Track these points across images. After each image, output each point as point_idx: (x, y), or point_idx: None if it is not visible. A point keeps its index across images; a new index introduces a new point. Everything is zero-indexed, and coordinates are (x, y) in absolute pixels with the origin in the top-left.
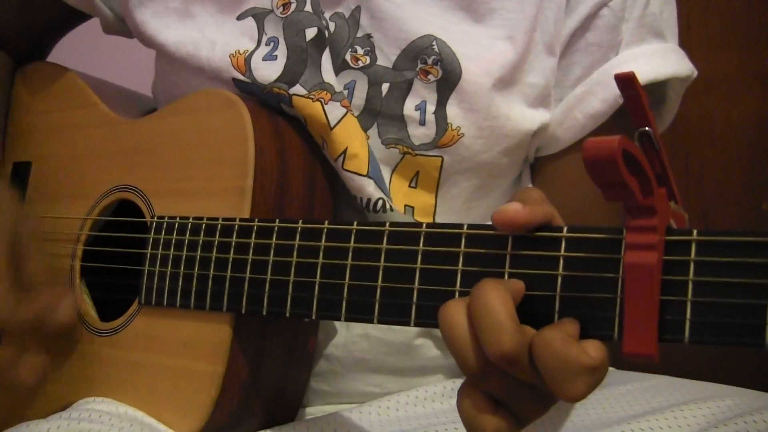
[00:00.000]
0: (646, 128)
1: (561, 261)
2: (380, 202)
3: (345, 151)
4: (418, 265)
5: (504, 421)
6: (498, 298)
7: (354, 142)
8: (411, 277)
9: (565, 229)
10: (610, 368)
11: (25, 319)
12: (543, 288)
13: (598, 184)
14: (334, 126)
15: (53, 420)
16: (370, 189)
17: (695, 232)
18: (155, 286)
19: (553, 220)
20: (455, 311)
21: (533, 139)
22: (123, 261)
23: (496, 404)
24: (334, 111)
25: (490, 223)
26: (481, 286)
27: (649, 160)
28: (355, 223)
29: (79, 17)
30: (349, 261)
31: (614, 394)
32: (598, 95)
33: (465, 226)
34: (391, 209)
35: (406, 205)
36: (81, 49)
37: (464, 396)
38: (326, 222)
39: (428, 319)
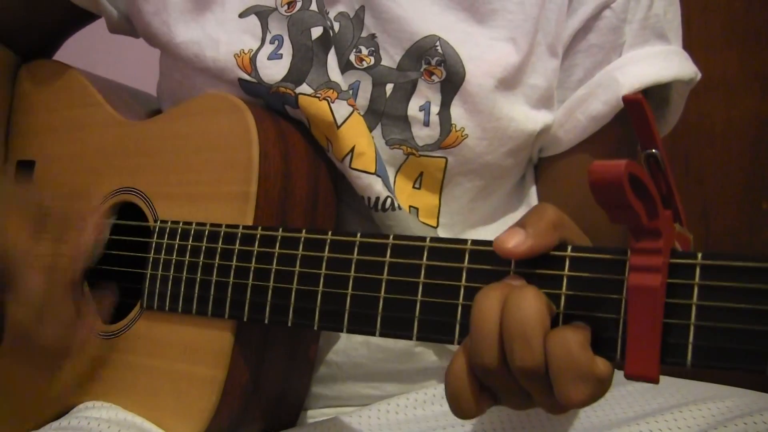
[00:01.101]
0: (653, 150)
1: (565, 280)
2: (388, 201)
3: (352, 150)
4: (421, 279)
5: (486, 406)
6: (539, 313)
7: (361, 140)
8: (414, 290)
9: (569, 249)
10: None
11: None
12: None
13: (603, 207)
14: (341, 125)
15: (50, 430)
16: (378, 187)
17: (700, 255)
18: (157, 290)
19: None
20: (492, 305)
21: (536, 140)
22: (125, 264)
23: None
24: (341, 110)
25: (494, 224)
26: (527, 292)
27: (655, 181)
28: (359, 235)
29: (85, 17)
30: (352, 273)
31: (615, 396)
32: (599, 97)
33: (469, 242)
34: (399, 208)
35: (410, 206)
36: (86, 48)
37: (460, 374)
38: (329, 233)
39: (430, 333)
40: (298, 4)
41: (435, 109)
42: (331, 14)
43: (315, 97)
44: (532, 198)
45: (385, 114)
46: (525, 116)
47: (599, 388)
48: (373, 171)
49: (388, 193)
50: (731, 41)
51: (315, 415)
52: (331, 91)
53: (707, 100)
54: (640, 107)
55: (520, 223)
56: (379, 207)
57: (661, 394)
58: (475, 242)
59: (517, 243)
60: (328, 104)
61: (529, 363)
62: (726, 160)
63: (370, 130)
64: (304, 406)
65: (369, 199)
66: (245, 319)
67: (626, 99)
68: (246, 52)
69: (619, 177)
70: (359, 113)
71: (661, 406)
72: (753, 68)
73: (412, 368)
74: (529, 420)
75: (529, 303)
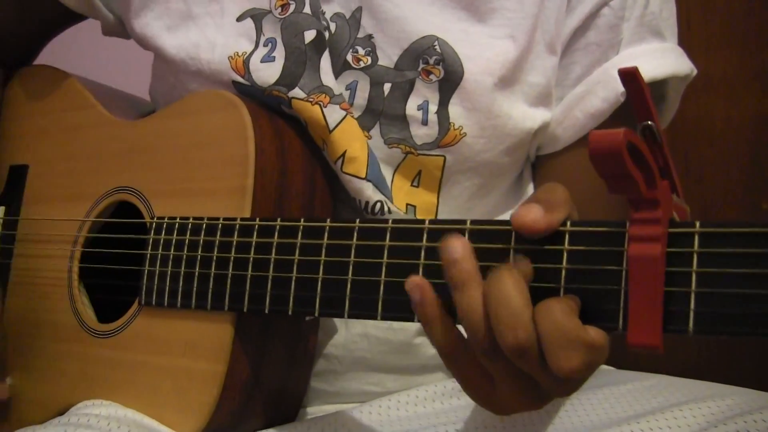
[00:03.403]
0: (649, 122)
1: (565, 254)
2: (378, 205)
3: (344, 154)
4: (422, 261)
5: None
6: (514, 287)
7: (353, 144)
8: (415, 273)
9: (568, 223)
10: (610, 368)
11: None
12: (547, 281)
13: (602, 176)
14: (333, 129)
15: (50, 426)
16: (368, 192)
17: (698, 223)
18: (155, 286)
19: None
20: (474, 299)
21: (534, 137)
22: (122, 263)
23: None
24: (333, 114)
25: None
26: (498, 275)
27: (651, 153)
28: (358, 220)
29: (70, 19)
30: (352, 258)
31: (614, 394)
32: (598, 94)
33: (468, 222)
34: (389, 211)
35: (408, 204)
36: (77, 52)
37: (463, 363)
38: (328, 220)
39: None
40: (292, 7)
41: (433, 108)
42: (327, 15)
43: (307, 101)
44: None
45: (384, 113)
46: (523, 114)
47: (592, 354)
48: (363, 176)
49: (379, 197)
50: (731, 41)
51: (314, 412)
52: (324, 95)
53: (707, 99)
54: (635, 79)
55: (533, 199)
56: (370, 210)
57: (660, 393)
58: (475, 221)
59: (535, 218)
60: (321, 109)
61: (520, 339)
62: (726, 159)
63: (368, 130)
64: (304, 403)
65: (360, 201)
66: (245, 311)
67: (621, 71)
68: (240, 54)
69: (618, 145)
70: (353, 117)
71: (661, 405)
72: (753, 68)
73: (412, 363)
74: (530, 417)
75: (502, 281)
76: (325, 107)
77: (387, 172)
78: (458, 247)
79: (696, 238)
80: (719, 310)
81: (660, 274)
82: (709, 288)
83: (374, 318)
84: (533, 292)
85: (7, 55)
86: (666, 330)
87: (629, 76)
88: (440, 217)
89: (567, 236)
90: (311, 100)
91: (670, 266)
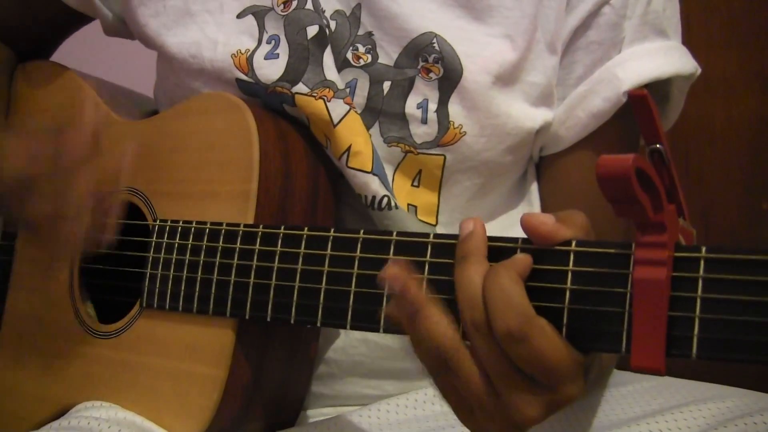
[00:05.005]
0: (658, 145)
1: (570, 275)
2: (385, 200)
3: (349, 149)
4: (425, 275)
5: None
6: (509, 277)
7: (358, 138)
8: (419, 287)
9: (573, 243)
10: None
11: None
12: (552, 301)
13: (609, 200)
14: (337, 123)
15: (51, 430)
16: (374, 186)
17: (704, 249)
18: (157, 289)
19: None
20: (474, 279)
21: (537, 137)
22: (123, 264)
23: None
24: (337, 108)
25: (493, 222)
26: (494, 270)
27: (659, 176)
28: (362, 231)
29: (81, 19)
30: (355, 270)
31: (615, 396)
32: (600, 94)
33: (473, 236)
34: (396, 207)
35: (409, 204)
36: (83, 50)
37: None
38: (332, 230)
39: None
40: (294, 3)
41: (433, 106)
42: (327, 12)
43: (311, 96)
44: (533, 196)
45: (383, 112)
46: (524, 113)
47: (533, 329)
48: (369, 170)
49: (385, 192)
50: (731, 41)
51: (314, 415)
52: (328, 90)
53: (707, 99)
54: (645, 102)
55: (552, 214)
56: (376, 206)
57: (661, 395)
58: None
59: (543, 221)
60: (325, 103)
61: (512, 322)
62: (726, 159)
63: (368, 128)
64: (304, 406)
65: (366, 197)
66: (247, 317)
67: (631, 94)
68: (243, 52)
69: (626, 171)
70: (356, 111)
71: (661, 407)
72: (753, 68)
73: (411, 367)
74: None
75: (498, 273)
76: (329, 102)
77: (388, 172)
78: (477, 225)
79: (702, 263)
80: (723, 336)
81: (665, 299)
82: (714, 314)
83: (376, 330)
84: (539, 313)
85: (18, 47)
86: (669, 354)
87: (638, 98)
88: (441, 217)
89: (572, 256)
90: (315, 94)
91: (675, 291)
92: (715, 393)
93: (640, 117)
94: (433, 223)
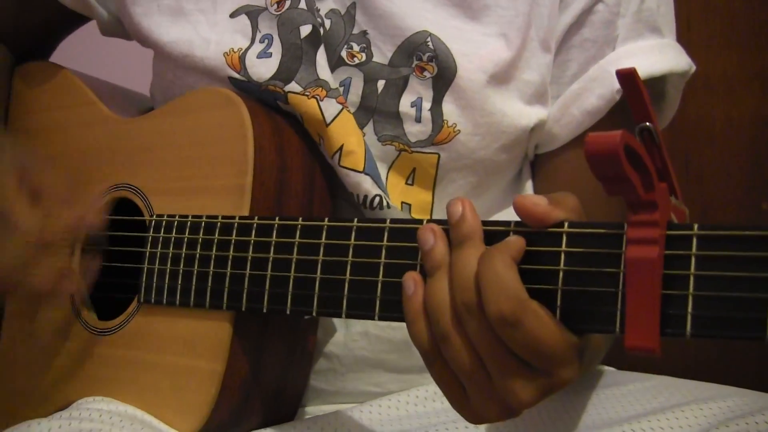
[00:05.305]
0: (647, 123)
1: (563, 256)
2: (377, 199)
3: (341, 148)
4: (419, 261)
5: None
6: (501, 261)
7: (350, 138)
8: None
9: (566, 225)
10: (611, 369)
11: (58, 230)
12: (545, 282)
13: (599, 179)
14: (330, 123)
15: (54, 419)
16: (366, 186)
17: (696, 226)
18: (154, 284)
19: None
20: (470, 262)
21: (531, 135)
22: (121, 260)
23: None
24: (330, 108)
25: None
26: (487, 253)
27: (650, 155)
28: (356, 220)
29: (77, 19)
30: (350, 258)
31: (615, 395)
32: (594, 91)
33: (467, 221)
34: (389, 206)
35: (403, 203)
36: (81, 51)
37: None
38: (326, 219)
39: None
40: (287, 3)
41: (427, 105)
42: (322, 11)
43: (304, 95)
44: (529, 194)
45: (377, 110)
46: (518, 111)
47: (524, 311)
48: (361, 169)
49: (377, 192)
50: (731, 41)
51: (313, 411)
52: (320, 89)
53: (707, 99)
54: (633, 80)
55: (544, 195)
56: (368, 205)
57: (661, 394)
58: (485, 222)
59: (536, 202)
60: (317, 102)
61: (504, 305)
62: (726, 159)
63: (362, 127)
64: (303, 402)
65: (358, 196)
66: (243, 309)
67: (619, 72)
68: (235, 50)
69: (615, 148)
70: (349, 111)
71: (661, 406)
72: (753, 68)
73: (412, 363)
74: (531, 418)
75: (491, 258)
76: (322, 101)
77: (382, 170)
78: (465, 206)
79: (694, 240)
80: (717, 313)
81: (658, 277)
82: (707, 291)
83: (371, 318)
84: (532, 295)
85: (15, 47)
86: (663, 333)
87: (626, 76)
88: (436, 215)
89: (564, 237)
90: (307, 94)
91: (668, 269)
92: (715, 393)
93: (629, 95)
94: None
